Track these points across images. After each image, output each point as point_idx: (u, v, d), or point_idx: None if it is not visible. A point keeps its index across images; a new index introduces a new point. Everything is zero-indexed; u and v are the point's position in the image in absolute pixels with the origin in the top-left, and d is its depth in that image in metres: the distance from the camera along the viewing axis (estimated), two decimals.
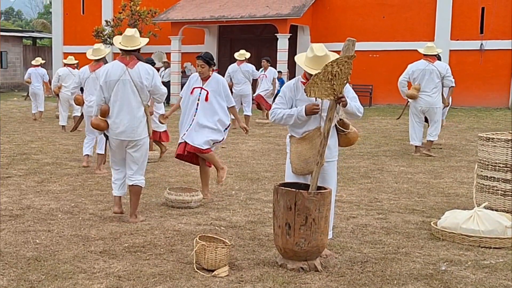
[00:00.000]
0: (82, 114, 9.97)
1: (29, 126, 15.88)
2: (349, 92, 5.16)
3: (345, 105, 4.98)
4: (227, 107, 7.36)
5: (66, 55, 29.53)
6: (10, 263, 5.04)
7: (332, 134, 5.19)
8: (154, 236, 5.88)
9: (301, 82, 5.19)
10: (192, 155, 7.38)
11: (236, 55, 15.78)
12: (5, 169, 9.40)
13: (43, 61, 18.56)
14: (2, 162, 9.99)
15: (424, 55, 11.02)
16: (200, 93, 7.23)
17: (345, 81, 4.85)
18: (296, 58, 5.11)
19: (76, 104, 10.34)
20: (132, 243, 5.62)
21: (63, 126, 14.93)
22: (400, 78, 11.06)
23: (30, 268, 4.91)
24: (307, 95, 4.83)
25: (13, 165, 9.86)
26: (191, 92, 7.30)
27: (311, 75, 4.95)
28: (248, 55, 15.72)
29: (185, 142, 7.26)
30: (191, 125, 7.24)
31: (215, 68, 7.45)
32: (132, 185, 6.38)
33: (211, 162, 7.44)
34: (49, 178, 8.83)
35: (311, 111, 5.04)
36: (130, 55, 6.28)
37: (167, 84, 24.68)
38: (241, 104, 15.32)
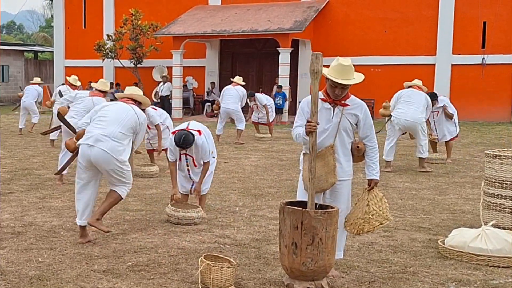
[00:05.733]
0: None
1: (30, 141, 15.83)
2: (371, 133, 5.25)
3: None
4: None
5: (67, 69, 29.74)
6: (13, 282, 4.97)
7: (345, 152, 5.18)
8: (158, 254, 5.81)
9: (320, 98, 5.12)
10: None
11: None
12: (7, 185, 9.35)
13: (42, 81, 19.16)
14: (4, 178, 9.93)
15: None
16: (186, 159, 7.41)
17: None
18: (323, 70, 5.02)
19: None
20: (136, 262, 5.55)
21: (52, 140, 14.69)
22: None
23: None
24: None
25: (14, 180, 9.80)
26: (179, 159, 7.45)
27: (333, 87, 5.01)
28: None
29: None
30: (192, 185, 7.54)
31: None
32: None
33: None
34: (51, 194, 8.77)
35: (307, 131, 4.87)
36: None
37: (165, 98, 24.71)
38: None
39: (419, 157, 11.26)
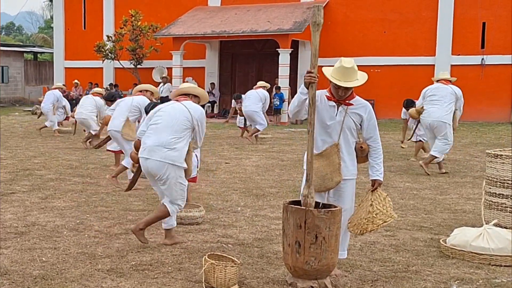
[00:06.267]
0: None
1: (31, 141, 15.84)
2: (375, 134, 5.24)
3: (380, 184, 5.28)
4: None
5: (67, 70, 29.78)
6: (17, 281, 4.99)
7: (350, 151, 5.19)
8: (161, 253, 5.83)
9: (326, 96, 5.15)
10: None
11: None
12: (9, 185, 9.36)
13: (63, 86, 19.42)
14: (6, 178, 9.95)
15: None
16: None
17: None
18: (323, 70, 5.07)
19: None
20: (140, 261, 5.57)
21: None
22: None
23: (37, 287, 4.86)
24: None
25: (16, 181, 9.82)
26: None
27: (336, 88, 5.03)
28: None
29: None
30: None
31: None
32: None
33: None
34: (53, 194, 8.79)
35: (306, 81, 4.80)
36: None
37: (165, 99, 24.72)
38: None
39: (431, 154, 10.75)
